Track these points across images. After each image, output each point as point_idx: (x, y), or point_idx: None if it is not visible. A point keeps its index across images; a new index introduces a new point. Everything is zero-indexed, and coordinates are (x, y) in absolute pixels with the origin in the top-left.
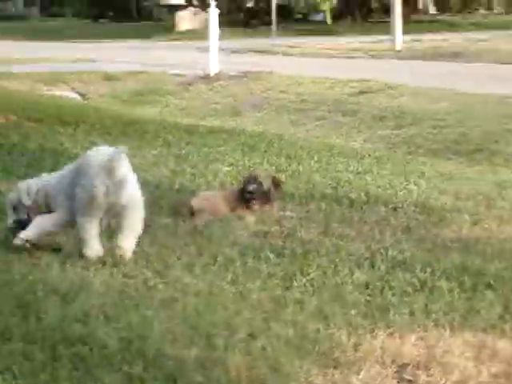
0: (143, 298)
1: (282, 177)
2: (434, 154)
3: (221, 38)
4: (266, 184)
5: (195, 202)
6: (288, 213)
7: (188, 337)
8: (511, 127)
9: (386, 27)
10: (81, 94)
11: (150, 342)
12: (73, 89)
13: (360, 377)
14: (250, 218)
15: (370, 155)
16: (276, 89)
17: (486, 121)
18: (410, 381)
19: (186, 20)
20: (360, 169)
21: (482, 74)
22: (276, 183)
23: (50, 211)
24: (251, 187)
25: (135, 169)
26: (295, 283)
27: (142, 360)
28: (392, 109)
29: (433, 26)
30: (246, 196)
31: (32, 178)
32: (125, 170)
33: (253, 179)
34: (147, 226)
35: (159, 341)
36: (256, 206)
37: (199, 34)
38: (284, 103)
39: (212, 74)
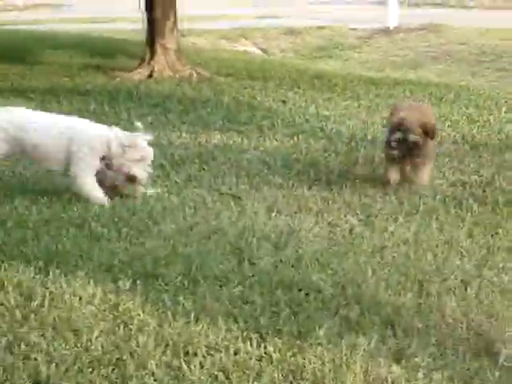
0: (352, 245)
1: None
2: None
3: None
4: (415, 133)
5: None
6: None
7: (400, 283)
8: None
9: None
10: (263, 50)
11: (364, 288)
12: (255, 44)
13: None
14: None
15: None
16: (455, 41)
17: None
18: None
19: None
20: None
21: None
22: (427, 131)
23: None
24: (393, 137)
25: (328, 120)
26: (501, 231)
27: (358, 305)
28: None
29: None
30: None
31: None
32: None
33: (398, 127)
34: (346, 176)
35: (373, 287)
36: (398, 159)
37: None
38: (464, 55)
39: (391, 28)
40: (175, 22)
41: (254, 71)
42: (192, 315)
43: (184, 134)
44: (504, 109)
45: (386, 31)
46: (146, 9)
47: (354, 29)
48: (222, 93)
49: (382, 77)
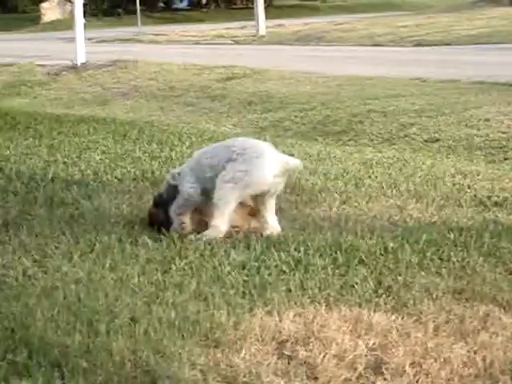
0: (24, 287)
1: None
2: (302, 136)
3: (86, 27)
4: None
5: None
6: None
7: (70, 324)
8: (374, 107)
9: (249, 13)
10: None
11: (33, 331)
12: None
13: (241, 355)
14: None
15: None
16: (144, 76)
17: (350, 102)
18: (289, 356)
19: (50, 11)
20: None
21: (343, 56)
22: None
23: None
24: None
25: (8, 160)
26: (174, 267)
27: (26, 348)
28: (259, 93)
29: (294, 10)
30: None
31: None
32: None
33: None
34: (23, 216)
35: (42, 329)
36: None
37: (65, 24)
38: (152, 90)
39: (79, 64)
40: None
41: None
42: None
43: None
44: (187, 143)
45: (74, 68)
46: None
47: (41, 65)
48: None
49: (67, 114)
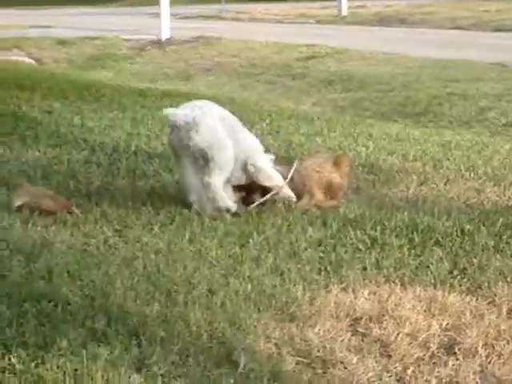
0: (104, 256)
1: None
2: (381, 116)
3: (171, 3)
4: None
5: None
6: None
7: (149, 293)
8: (454, 90)
9: None
10: (36, 60)
11: (112, 299)
12: (28, 54)
13: (315, 330)
14: None
15: (319, 118)
16: (227, 53)
17: (430, 84)
18: (363, 334)
19: None
20: (311, 131)
21: (424, 38)
22: None
23: None
24: None
25: (92, 132)
26: (251, 241)
27: (105, 316)
28: (340, 73)
29: None
30: None
31: None
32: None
33: None
34: (106, 187)
35: (122, 297)
36: None
37: None
38: (235, 67)
39: (163, 39)
40: None
41: (22, 80)
42: None
43: None
44: (267, 121)
45: (158, 43)
46: None
47: (127, 40)
48: None
49: (150, 88)
